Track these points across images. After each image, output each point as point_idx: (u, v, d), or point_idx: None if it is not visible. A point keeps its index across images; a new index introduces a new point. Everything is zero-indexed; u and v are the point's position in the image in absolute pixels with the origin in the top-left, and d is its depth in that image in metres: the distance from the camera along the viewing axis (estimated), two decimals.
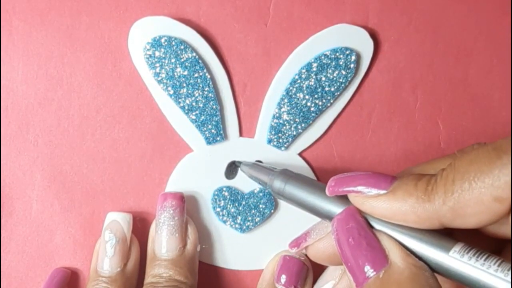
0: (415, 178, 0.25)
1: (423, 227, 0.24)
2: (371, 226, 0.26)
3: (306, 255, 0.34)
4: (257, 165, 0.33)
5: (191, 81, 0.33)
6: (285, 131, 0.34)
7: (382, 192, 0.25)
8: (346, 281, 0.32)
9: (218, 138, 0.34)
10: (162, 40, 0.32)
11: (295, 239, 0.31)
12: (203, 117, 0.33)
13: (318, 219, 0.30)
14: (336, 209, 0.27)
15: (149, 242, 0.33)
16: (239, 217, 0.34)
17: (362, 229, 0.25)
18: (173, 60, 0.32)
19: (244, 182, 0.34)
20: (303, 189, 0.29)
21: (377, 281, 0.24)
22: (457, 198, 0.22)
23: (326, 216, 0.28)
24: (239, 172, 0.34)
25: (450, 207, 0.23)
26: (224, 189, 0.34)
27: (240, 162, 0.34)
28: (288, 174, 0.30)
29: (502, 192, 0.21)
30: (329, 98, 0.34)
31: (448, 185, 0.23)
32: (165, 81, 0.33)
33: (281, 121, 0.34)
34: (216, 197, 0.34)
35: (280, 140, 0.34)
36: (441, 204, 0.23)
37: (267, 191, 0.34)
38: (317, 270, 0.35)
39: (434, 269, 0.24)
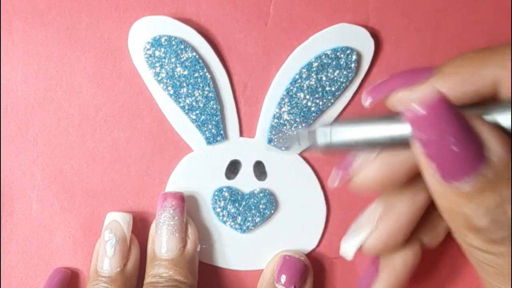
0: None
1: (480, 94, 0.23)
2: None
3: (306, 255, 0.34)
4: (287, 134, 0.32)
5: (191, 80, 0.33)
6: (285, 131, 0.34)
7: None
8: (384, 229, 0.30)
9: (218, 138, 0.34)
10: (162, 40, 0.32)
11: (342, 163, 0.29)
12: (203, 117, 0.33)
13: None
14: (396, 128, 0.25)
15: (149, 242, 0.33)
16: (239, 218, 0.34)
17: (459, 127, 0.22)
18: (173, 60, 0.32)
19: (244, 182, 0.34)
20: (358, 129, 0.26)
21: (475, 178, 0.22)
22: None
23: (388, 141, 0.25)
24: (239, 172, 0.34)
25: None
26: (224, 189, 0.34)
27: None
28: (327, 125, 0.27)
29: None
30: (329, 98, 0.33)
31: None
32: (165, 80, 0.33)
33: (281, 121, 0.34)
34: (216, 197, 0.34)
35: (281, 140, 0.34)
36: (500, 68, 0.23)
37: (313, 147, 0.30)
38: (317, 270, 0.35)
39: None
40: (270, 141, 0.34)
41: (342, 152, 0.28)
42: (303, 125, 0.34)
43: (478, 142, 0.22)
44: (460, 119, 0.22)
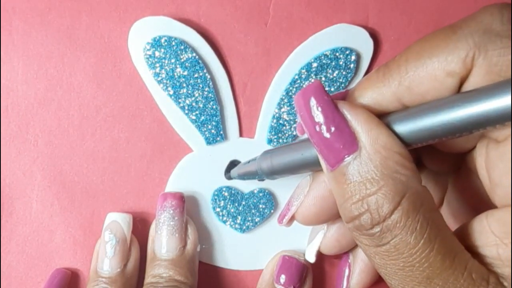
0: (375, 71, 0.24)
1: (387, 111, 0.24)
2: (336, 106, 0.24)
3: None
4: (241, 164, 0.33)
5: (191, 81, 0.33)
6: (285, 131, 0.34)
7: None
8: (334, 227, 0.31)
9: (218, 138, 0.34)
10: (162, 40, 0.32)
11: (280, 214, 0.31)
12: (203, 117, 0.33)
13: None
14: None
15: (149, 242, 0.33)
16: (239, 217, 0.34)
17: (328, 109, 0.23)
18: (173, 60, 0.32)
19: (244, 182, 0.34)
20: (288, 153, 0.28)
21: (349, 166, 0.23)
22: (412, 77, 0.22)
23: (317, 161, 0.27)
24: None
25: (407, 86, 0.23)
26: (224, 189, 0.34)
27: (229, 176, 0.34)
28: (268, 151, 0.30)
29: (455, 66, 0.21)
30: None
31: (402, 65, 0.23)
32: (165, 81, 0.33)
33: (281, 121, 0.34)
34: (216, 197, 0.34)
35: (280, 140, 0.34)
36: (397, 86, 0.23)
37: (264, 179, 0.33)
38: (317, 270, 0.35)
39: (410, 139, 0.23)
40: (269, 141, 0.34)
41: (284, 175, 0.29)
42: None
43: (348, 131, 0.23)
44: (330, 108, 0.23)
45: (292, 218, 0.30)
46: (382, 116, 0.23)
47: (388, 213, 0.22)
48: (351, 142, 0.23)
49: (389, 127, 0.23)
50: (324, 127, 0.23)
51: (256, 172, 0.31)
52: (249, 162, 0.32)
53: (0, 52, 0.33)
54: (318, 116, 0.23)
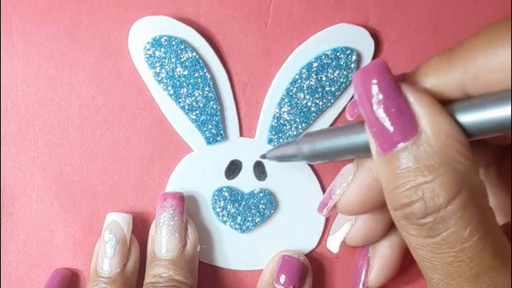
0: (437, 55, 0.23)
1: (448, 98, 0.23)
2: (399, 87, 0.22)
3: (305, 255, 0.34)
4: (278, 145, 0.32)
5: (191, 81, 0.33)
6: (285, 131, 0.34)
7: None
8: (363, 219, 0.30)
9: (218, 138, 0.34)
10: (163, 40, 0.32)
11: (321, 202, 0.30)
12: (203, 117, 0.33)
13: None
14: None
15: (149, 242, 0.33)
16: (239, 217, 0.34)
17: (391, 90, 0.22)
18: (173, 60, 0.32)
19: (244, 182, 0.34)
20: (333, 136, 0.27)
21: (405, 151, 0.22)
22: (481, 66, 0.21)
23: (365, 145, 0.25)
24: (240, 172, 0.34)
25: (473, 75, 0.21)
26: (224, 189, 0.34)
27: (264, 155, 0.33)
28: (310, 133, 0.29)
29: None
30: (329, 98, 0.33)
31: (470, 52, 0.21)
32: (165, 81, 0.33)
33: (281, 121, 0.34)
34: (216, 197, 0.34)
35: (281, 140, 0.34)
36: (463, 73, 0.22)
37: (302, 162, 0.32)
38: (317, 270, 0.35)
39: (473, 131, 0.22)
40: (270, 141, 0.34)
41: (325, 160, 0.28)
42: (303, 125, 0.34)
43: (409, 114, 0.22)
44: (393, 88, 0.22)
45: (333, 208, 0.29)
46: (445, 104, 0.22)
47: (444, 203, 0.21)
48: (411, 126, 0.21)
49: (451, 115, 0.22)
50: (382, 107, 0.22)
51: (296, 155, 0.29)
52: (288, 144, 0.30)
53: (0, 52, 0.33)
54: (379, 96, 0.22)
